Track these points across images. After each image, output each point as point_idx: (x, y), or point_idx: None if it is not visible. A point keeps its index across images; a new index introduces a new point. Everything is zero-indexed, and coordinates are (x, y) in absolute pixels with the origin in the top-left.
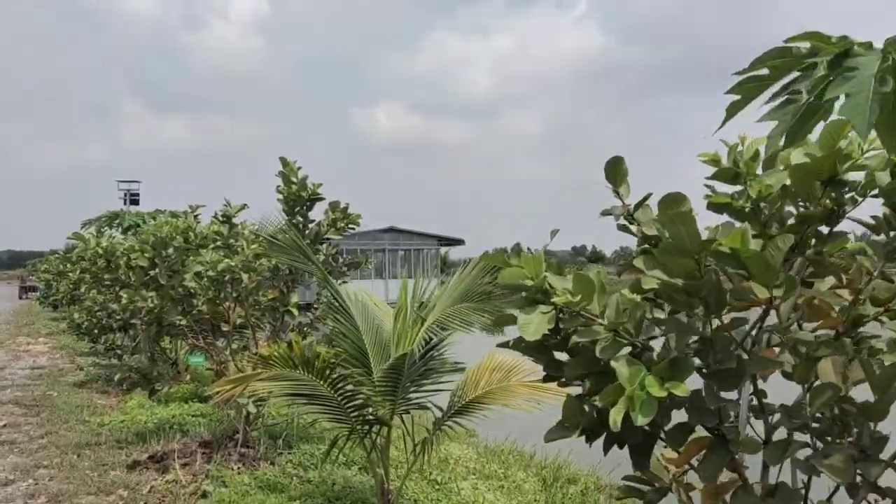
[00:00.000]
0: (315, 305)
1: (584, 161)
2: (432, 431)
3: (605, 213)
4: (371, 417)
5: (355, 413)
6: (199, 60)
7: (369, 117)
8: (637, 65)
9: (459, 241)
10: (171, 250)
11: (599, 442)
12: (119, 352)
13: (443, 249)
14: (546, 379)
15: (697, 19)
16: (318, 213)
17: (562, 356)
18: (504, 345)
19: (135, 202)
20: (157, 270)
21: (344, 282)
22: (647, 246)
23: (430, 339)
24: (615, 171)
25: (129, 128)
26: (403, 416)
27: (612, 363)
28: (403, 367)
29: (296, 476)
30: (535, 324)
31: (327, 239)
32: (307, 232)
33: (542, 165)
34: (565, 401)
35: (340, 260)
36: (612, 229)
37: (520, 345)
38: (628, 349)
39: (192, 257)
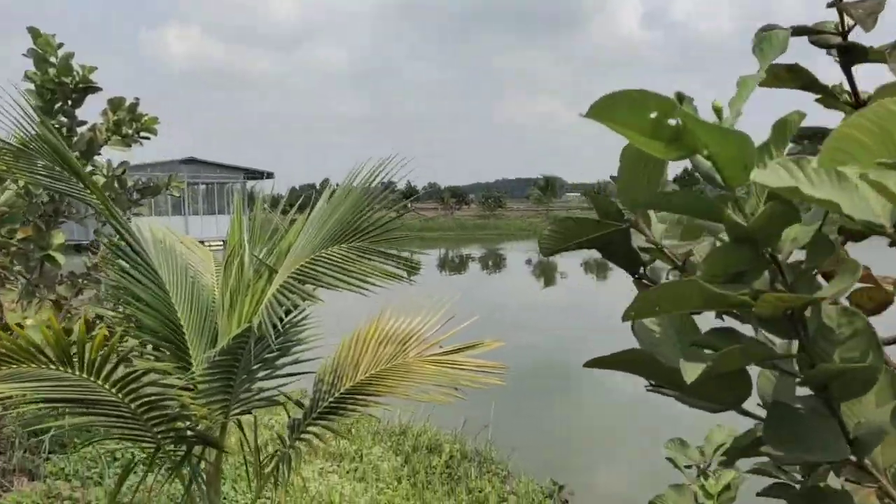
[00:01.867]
0: (93, 248)
1: (395, 96)
2: (288, 443)
3: (803, 29)
4: (191, 434)
5: (163, 427)
6: None
7: (161, 41)
8: (445, 1)
9: (268, 175)
10: None
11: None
12: None
13: (250, 183)
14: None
15: None
16: (92, 113)
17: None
18: (594, 364)
19: None
20: None
21: (137, 214)
22: None
23: (287, 300)
24: None
25: None
26: (243, 416)
27: None
28: (243, 350)
29: (73, 501)
30: None
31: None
32: (75, 139)
33: (353, 100)
34: None
35: (130, 183)
36: (423, 165)
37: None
38: None
39: None
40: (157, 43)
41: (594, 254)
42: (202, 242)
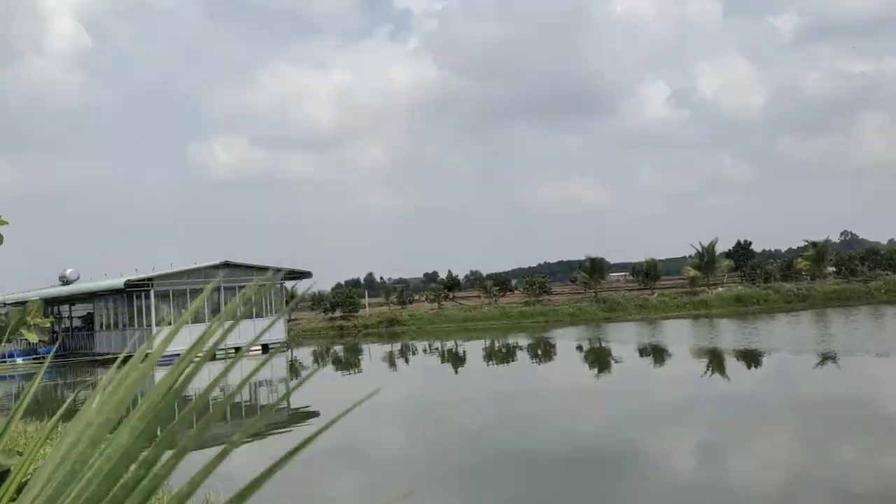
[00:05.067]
0: None
1: (429, 189)
2: None
3: None
4: None
5: None
6: (14, 96)
7: (208, 152)
8: (472, 96)
9: (306, 274)
10: None
11: None
12: None
13: (289, 284)
14: None
15: (524, 52)
16: None
17: None
18: None
19: None
20: None
21: None
22: None
23: None
24: None
25: None
26: None
27: None
28: None
29: None
30: None
31: None
32: None
33: (390, 195)
34: None
35: None
36: (464, 254)
37: None
38: None
39: None
40: (203, 153)
41: (644, 337)
42: (237, 349)
